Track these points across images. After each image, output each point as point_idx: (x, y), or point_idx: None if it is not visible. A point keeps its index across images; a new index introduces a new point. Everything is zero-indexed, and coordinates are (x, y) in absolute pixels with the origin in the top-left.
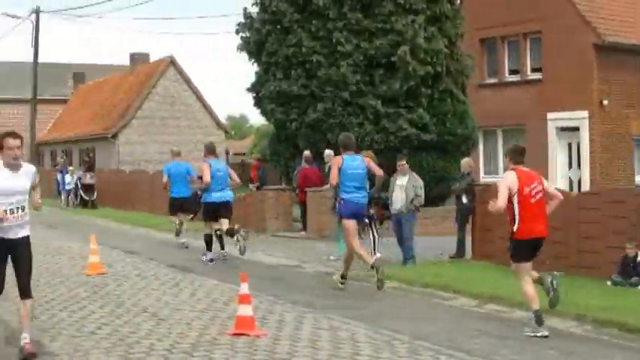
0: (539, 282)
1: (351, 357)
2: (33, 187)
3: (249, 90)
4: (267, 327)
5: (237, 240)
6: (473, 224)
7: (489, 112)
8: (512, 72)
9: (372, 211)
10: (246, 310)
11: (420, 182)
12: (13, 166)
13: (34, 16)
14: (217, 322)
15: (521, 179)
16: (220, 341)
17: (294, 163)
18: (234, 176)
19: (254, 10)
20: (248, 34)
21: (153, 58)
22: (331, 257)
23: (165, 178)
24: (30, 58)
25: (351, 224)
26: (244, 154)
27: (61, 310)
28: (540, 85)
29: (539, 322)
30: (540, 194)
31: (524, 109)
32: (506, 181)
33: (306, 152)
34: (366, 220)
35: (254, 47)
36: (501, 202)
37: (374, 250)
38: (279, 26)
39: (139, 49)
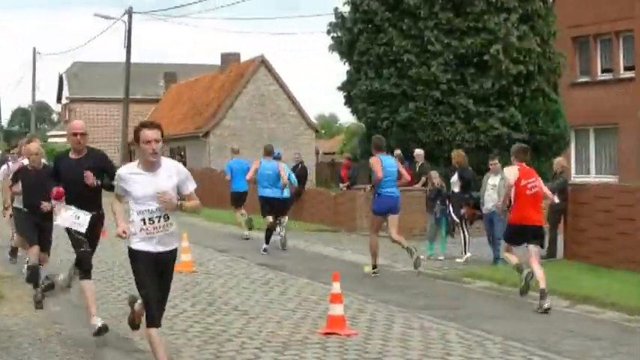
0: (518, 269)
1: (442, 357)
2: (182, 188)
3: (340, 89)
4: (358, 326)
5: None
6: (565, 224)
7: (581, 111)
8: (605, 71)
9: (463, 211)
10: (337, 310)
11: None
12: (151, 165)
13: (126, 16)
14: (308, 320)
15: (521, 173)
16: (311, 340)
17: None
18: (283, 176)
19: (345, 9)
20: (339, 34)
21: (244, 58)
22: (421, 257)
23: (228, 176)
24: (123, 59)
25: (379, 220)
26: (334, 153)
27: None
28: (633, 84)
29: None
30: (537, 189)
31: (616, 108)
32: (509, 173)
33: (397, 151)
34: (457, 220)
35: (345, 46)
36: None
37: (465, 249)
38: (370, 25)
39: (231, 49)
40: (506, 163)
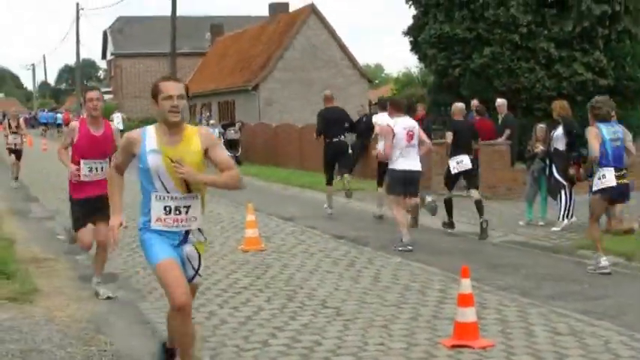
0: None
1: None
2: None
3: (405, 34)
4: (488, 331)
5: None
6: None
7: None
8: None
9: (572, 171)
10: (466, 315)
11: (629, 135)
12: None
13: None
14: (421, 322)
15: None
16: (437, 355)
17: None
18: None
19: None
20: None
21: (293, 8)
22: (520, 223)
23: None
24: (167, 12)
25: None
26: None
27: (221, 305)
28: None
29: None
30: None
31: None
32: None
33: (476, 102)
34: (564, 182)
35: None
36: None
37: (565, 215)
38: None
39: None
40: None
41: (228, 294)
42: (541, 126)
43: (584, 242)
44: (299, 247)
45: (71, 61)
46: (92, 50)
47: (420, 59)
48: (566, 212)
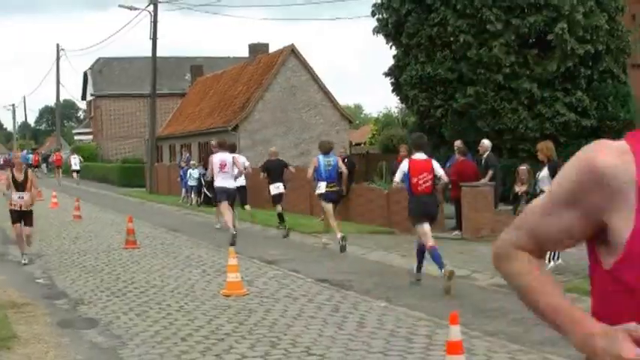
0: None
1: None
2: None
3: (386, 75)
4: None
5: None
6: None
7: None
8: None
9: None
10: None
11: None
12: None
13: (151, 7)
14: None
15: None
16: None
17: (438, 154)
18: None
19: None
20: (385, 15)
21: (273, 48)
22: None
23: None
24: (147, 53)
25: None
26: (361, 144)
27: (203, 352)
28: None
29: None
30: None
31: None
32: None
33: (458, 142)
34: None
35: (392, 29)
36: None
37: (553, 256)
38: (420, 4)
39: (259, 39)
40: (571, 153)
41: (210, 341)
42: (522, 168)
43: (572, 285)
44: (282, 292)
45: (51, 101)
46: (72, 92)
47: (402, 100)
48: (552, 254)
